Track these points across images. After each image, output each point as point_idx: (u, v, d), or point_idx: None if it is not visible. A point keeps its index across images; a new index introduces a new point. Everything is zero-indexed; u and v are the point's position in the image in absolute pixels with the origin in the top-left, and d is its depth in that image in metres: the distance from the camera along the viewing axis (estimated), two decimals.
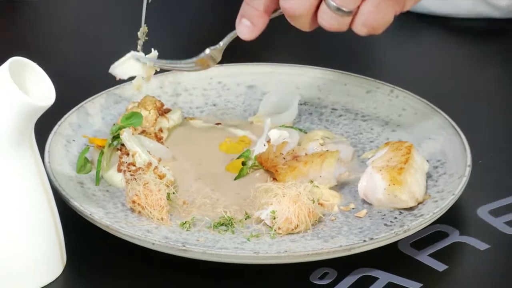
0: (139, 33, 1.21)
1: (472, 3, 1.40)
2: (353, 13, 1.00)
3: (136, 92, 1.18)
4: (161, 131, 1.15)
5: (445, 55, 1.36)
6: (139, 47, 1.21)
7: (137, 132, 1.12)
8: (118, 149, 1.10)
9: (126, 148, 1.10)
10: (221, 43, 1.08)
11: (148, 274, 0.99)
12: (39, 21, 1.48)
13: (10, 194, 0.95)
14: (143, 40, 1.21)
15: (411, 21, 1.37)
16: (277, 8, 1.02)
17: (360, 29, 1.01)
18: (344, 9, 0.99)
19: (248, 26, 1.03)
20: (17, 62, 0.93)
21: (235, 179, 1.10)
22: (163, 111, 1.15)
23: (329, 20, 1.01)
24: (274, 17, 1.03)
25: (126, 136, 1.10)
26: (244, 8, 1.03)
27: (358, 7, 1.00)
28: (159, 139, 1.14)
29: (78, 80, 1.20)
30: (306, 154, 1.09)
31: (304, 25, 1.02)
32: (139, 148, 1.09)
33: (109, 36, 1.36)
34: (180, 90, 1.20)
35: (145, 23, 1.22)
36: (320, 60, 1.24)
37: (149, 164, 1.08)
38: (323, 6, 1.00)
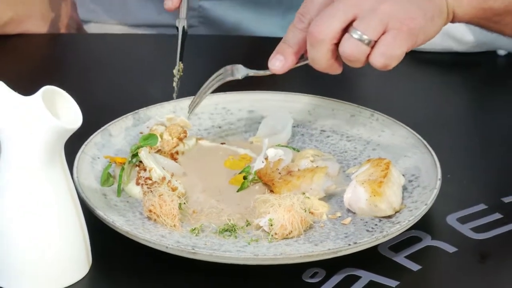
0: (174, 71, 1.21)
1: (441, 38, 1.39)
2: (372, 45, 1.01)
3: (159, 113, 1.19)
4: (177, 153, 1.15)
5: (417, 84, 1.37)
6: (174, 83, 1.21)
7: (153, 151, 1.12)
8: (136, 165, 1.10)
9: (143, 165, 1.10)
10: (251, 72, 1.10)
11: (162, 273, 0.99)
12: (68, 54, 1.48)
13: (44, 204, 0.95)
14: (178, 77, 1.21)
15: None
16: (304, 55, 1.03)
17: (377, 59, 1.01)
18: (366, 38, 1.00)
19: (281, 60, 1.05)
20: (49, 90, 0.93)
21: (237, 191, 1.10)
22: (182, 137, 1.15)
23: (351, 48, 1.01)
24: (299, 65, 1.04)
25: (143, 154, 1.10)
26: (280, 46, 1.05)
27: (376, 41, 1.00)
28: (174, 159, 1.14)
29: (101, 106, 1.20)
30: (298, 170, 1.09)
31: (322, 54, 1.02)
32: (154, 165, 1.09)
33: (128, 68, 1.35)
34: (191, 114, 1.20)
35: (180, 61, 1.22)
36: (310, 88, 1.24)
37: (163, 178, 1.08)
38: (347, 34, 1.01)
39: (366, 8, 1.01)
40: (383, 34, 1.01)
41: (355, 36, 1.00)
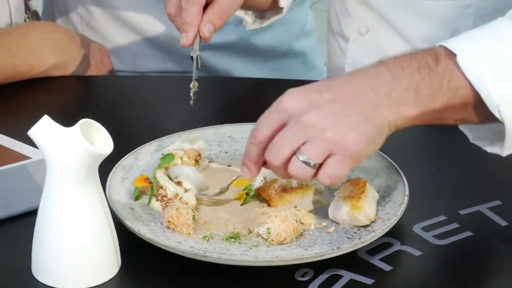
0: (190, 85, 1.21)
1: None
2: (317, 167, 0.97)
3: (176, 140, 1.19)
4: None
5: None
6: (191, 94, 1.21)
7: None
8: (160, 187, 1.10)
9: (160, 183, 1.10)
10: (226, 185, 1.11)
11: (178, 273, 0.99)
12: (102, 93, 1.48)
13: (81, 216, 0.95)
14: (193, 91, 1.21)
15: None
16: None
17: (323, 179, 0.98)
18: (311, 162, 0.96)
19: (246, 171, 1.02)
20: (86, 122, 0.93)
21: (241, 205, 1.10)
22: (197, 160, 1.15)
23: (297, 170, 0.97)
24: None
25: (159, 175, 1.10)
26: (244, 160, 1.02)
27: (321, 163, 0.97)
28: None
29: (129, 135, 1.20)
30: (291, 188, 1.09)
31: (279, 173, 1.00)
32: (168, 184, 1.09)
33: (150, 104, 1.36)
34: (203, 141, 1.20)
35: (195, 79, 1.22)
36: None
37: (176, 195, 1.08)
38: (293, 158, 0.97)
39: (313, 135, 0.96)
40: (328, 157, 0.96)
41: (301, 159, 0.96)
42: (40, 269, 0.97)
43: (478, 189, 1.14)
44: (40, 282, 0.96)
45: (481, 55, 1.01)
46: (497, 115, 1.00)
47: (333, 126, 0.96)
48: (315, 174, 0.98)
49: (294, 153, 0.97)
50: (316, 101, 0.98)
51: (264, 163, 1.02)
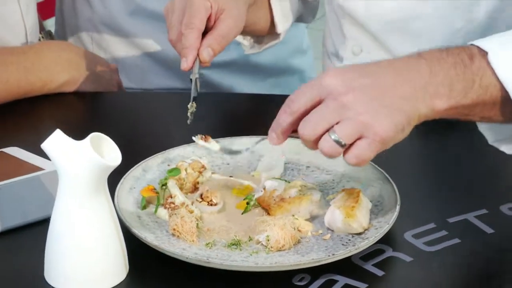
0: (188, 106, 1.21)
1: None
2: (347, 147, 0.96)
3: (181, 153, 1.19)
4: (198, 183, 1.14)
5: None
6: (189, 114, 1.21)
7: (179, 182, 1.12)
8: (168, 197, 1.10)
9: (170, 192, 1.10)
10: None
11: (183, 278, 0.98)
12: (111, 108, 1.48)
13: (91, 224, 0.95)
14: (191, 111, 1.21)
15: None
16: (295, 130, 0.99)
17: (351, 159, 0.97)
18: (342, 142, 0.96)
19: (273, 138, 1.01)
20: (95, 136, 0.93)
21: (242, 213, 1.10)
22: (201, 171, 1.15)
23: (327, 147, 0.97)
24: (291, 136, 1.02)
25: (171, 184, 1.10)
26: (273, 125, 1.01)
27: (352, 143, 0.96)
28: (196, 188, 1.13)
29: (136, 148, 1.20)
30: (289, 197, 1.08)
31: (309, 145, 0.99)
32: (177, 193, 1.09)
33: (156, 118, 1.36)
34: (206, 153, 1.20)
35: (193, 101, 1.22)
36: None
37: (183, 203, 1.08)
38: (325, 135, 0.96)
39: (348, 116, 0.95)
40: (358, 139, 0.96)
41: (333, 137, 0.95)
42: (53, 275, 0.97)
43: (465, 199, 1.14)
44: (52, 287, 0.96)
45: (510, 55, 1.01)
46: None
47: (368, 111, 0.96)
48: (344, 153, 0.97)
49: (327, 130, 0.96)
50: (356, 84, 0.97)
51: (293, 132, 1.01)
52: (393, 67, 1.01)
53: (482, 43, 1.02)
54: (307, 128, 0.97)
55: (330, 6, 1.50)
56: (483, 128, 1.12)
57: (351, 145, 0.96)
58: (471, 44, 1.03)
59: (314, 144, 0.98)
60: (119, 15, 1.71)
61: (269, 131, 1.02)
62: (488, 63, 1.00)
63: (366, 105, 0.96)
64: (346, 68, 1.01)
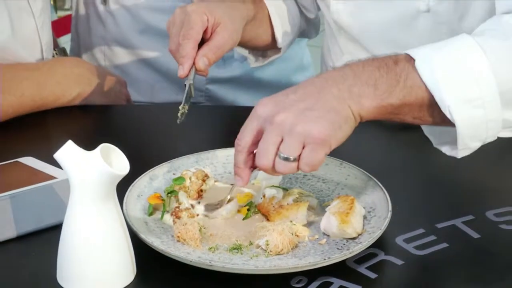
0: (180, 107, 1.21)
1: None
2: (297, 160, 0.98)
3: (185, 163, 1.19)
4: (201, 190, 1.14)
5: (374, 141, 1.36)
6: (179, 114, 1.21)
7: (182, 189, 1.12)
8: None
9: (179, 200, 1.10)
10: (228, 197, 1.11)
11: (187, 281, 0.98)
12: (119, 120, 1.48)
13: (101, 229, 0.95)
14: (182, 111, 1.21)
15: None
16: (254, 166, 1.03)
17: (304, 168, 0.99)
18: (291, 157, 0.98)
19: (239, 180, 1.04)
20: (105, 146, 0.93)
21: (243, 219, 1.09)
22: (204, 179, 1.15)
23: (282, 168, 0.99)
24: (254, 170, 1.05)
25: (181, 193, 1.11)
26: (234, 169, 1.05)
27: (299, 155, 0.98)
28: (200, 195, 1.13)
29: (143, 157, 1.20)
30: (287, 204, 1.08)
31: (271, 173, 1.02)
32: (184, 200, 1.10)
33: (162, 130, 1.36)
34: (208, 163, 1.20)
35: (186, 103, 1.22)
36: None
37: (187, 208, 1.08)
38: (276, 158, 0.99)
39: (285, 133, 0.98)
40: (303, 148, 0.98)
41: (282, 157, 0.98)
42: (65, 276, 0.97)
43: (453, 205, 1.14)
44: None
45: (436, 60, 1.02)
46: (448, 115, 1.02)
47: (301, 121, 0.98)
48: (298, 166, 0.99)
49: (276, 153, 0.99)
50: (284, 103, 1.01)
51: (253, 168, 1.04)
52: (318, 78, 1.05)
53: (411, 51, 1.05)
54: (261, 158, 1.00)
55: (326, 22, 1.50)
56: (426, 131, 1.14)
57: (300, 156, 0.98)
58: (403, 53, 1.05)
59: (273, 170, 1.01)
60: (130, 33, 1.72)
61: (234, 176, 1.05)
62: (414, 67, 1.02)
63: (297, 116, 0.99)
64: (275, 94, 1.04)
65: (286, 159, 0.98)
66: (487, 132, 1.05)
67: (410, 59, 1.03)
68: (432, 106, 1.03)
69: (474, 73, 1.02)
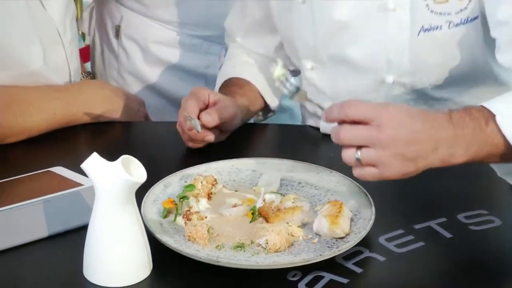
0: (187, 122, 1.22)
1: None
2: (359, 164, 0.99)
3: (195, 171, 1.18)
4: (211, 193, 1.14)
5: None
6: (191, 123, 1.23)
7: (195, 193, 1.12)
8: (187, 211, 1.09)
9: (189, 204, 1.10)
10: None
11: (196, 274, 0.98)
12: (138, 134, 1.48)
13: (121, 229, 0.95)
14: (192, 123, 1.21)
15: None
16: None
17: (357, 173, 1.00)
18: (361, 161, 0.99)
19: (323, 114, 1.03)
20: (126, 158, 0.93)
21: (250, 222, 1.09)
22: (214, 184, 1.15)
23: (348, 157, 0.99)
24: None
25: (191, 198, 1.10)
26: (326, 110, 1.02)
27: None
28: (209, 197, 1.13)
29: (158, 167, 1.20)
30: (284, 208, 1.08)
31: (336, 140, 1.00)
32: (194, 204, 1.10)
33: (176, 142, 1.35)
34: (215, 172, 1.20)
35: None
36: (292, 156, 1.23)
37: (197, 212, 1.08)
38: (352, 150, 0.98)
39: (376, 145, 0.97)
40: (369, 165, 0.99)
41: (357, 156, 0.98)
42: (90, 271, 0.96)
43: (428, 209, 1.13)
44: (90, 282, 0.96)
45: None
46: None
47: (391, 156, 0.97)
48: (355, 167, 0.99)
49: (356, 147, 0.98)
50: (402, 131, 0.97)
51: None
52: (432, 129, 0.99)
53: (491, 105, 1.02)
54: (347, 136, 0.98)
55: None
56: (492, 164, 1.14)
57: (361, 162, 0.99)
58: (482, 105, 1.02)
59: (339, 142, 0.99)
60: (139, 64, 1.72)
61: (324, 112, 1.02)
62: (497, 125, 1.00)
63: (393, 149, 0.97)
64: (408, 108, 1.00)
65: (358, 159, 0.98)
66: None
67: (493, 116, 1.01)
68: (509, 154, 1.02)
69: None
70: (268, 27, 1.45)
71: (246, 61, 1.48)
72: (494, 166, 1.19)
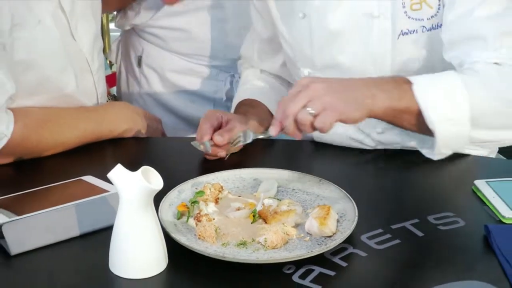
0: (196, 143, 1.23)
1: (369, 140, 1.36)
2: (314, 116, 1.02)
3: (205, 179, 1.18)
4: (218, 198, 1.14)
5: (343, 166, 1.36)
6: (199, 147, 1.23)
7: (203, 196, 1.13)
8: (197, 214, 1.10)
9: (199, 208, 1.10)
10: (258, 136, 1.17)
11: (205, 268, 0.98)
12: (156, 148, 1.48)
13: (142, 229, 0.95)
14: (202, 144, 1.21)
15: (321, 148, 1.38)
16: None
17: (317, 124, 1.03)
18: (312, 111, 1.02)
19: (272, 129, 1.10)
20: (145, 168, 0.94)
21: (251, 223, 1.09)
22: (220, 190, 1.15)
23: (303, 116, 1.02)
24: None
25: (201, 203, 1.11)
26: (273, 121, 1.10)
27: (317, 115, 1.02)
28: (217, 201, 1.13)
29: (173, 176, 1.20)
30: (280, 211, 1.08)
31: (291, 126, 1.05)
32: (204, 207, 1.10)
33: (189, 153, 1.36)
34: (222, 180, 1.20)
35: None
36: (287, 167, 1.23)
37: (206, 214, 1.08)
38: (302, 109, 1.02)
39: (316, 96, 1.02)
40: (323, 110, 1.01)
41: (307, 110, 1.01)
42: (115, 265, 0.97)
43: (403, 211, 1.13)
44: (115, 274, 0.96)
45: (428, 87, 1.08)
46: (431, 128, 1.08)
47: (329, 94, 1.03)
48: (313, 121, 1.03)
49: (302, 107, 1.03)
50: (322, 79, 1.06)
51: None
52: (355, 79, 1.09)
53: (411, 77, 1.10)
54: (292, 105, 1.04)
55: None
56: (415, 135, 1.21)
57: (317, 115, 1.02)
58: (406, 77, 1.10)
59: (295, 121, 1.04)
60: (158, 89, 1.74)
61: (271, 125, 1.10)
62: (412, 90, 1.07)
63: (329, 90, 1.03)
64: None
65: (310, 113, 1.00)
66: (457, 144, 1.11)
67: (409, 83, 1.08)
68: (422, 118, 1.07)
69: (455, 100, 1.08)
70: (275, 45, 1.46)
71: (258, 85, 1.50)
72: (417, 146, 1.24)
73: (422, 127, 1.09)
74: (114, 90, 2.04)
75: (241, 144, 1.15)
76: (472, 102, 1.08)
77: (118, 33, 1.88)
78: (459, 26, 1.17)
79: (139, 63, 1.75)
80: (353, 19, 1.26)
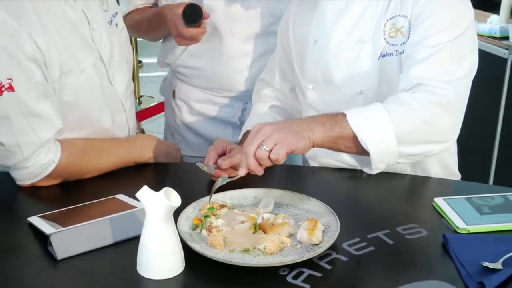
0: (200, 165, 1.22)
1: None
2: (269, 151, 1.03)
3: (215, 198, 1.16)
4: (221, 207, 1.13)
5: (328, 187, 1.35)
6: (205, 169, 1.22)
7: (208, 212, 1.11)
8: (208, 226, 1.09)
9: (210, 221, 1.09)
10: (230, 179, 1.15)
11: (215, 271, 0.97)
12: (176, 171, 1.47)
13: (164, 238, 0.95)
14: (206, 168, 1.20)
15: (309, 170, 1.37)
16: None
17: (272, 156, 1.03)
18: (267, 148, 1.03)
19: (242, 170, 1.08)
20: (166, 189, 0.94)
21: (253, 233, 1.08)
22: (222, 207, 1.14)
23: (260, 153, 1.03)
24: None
25: (212, 217, 1.10)
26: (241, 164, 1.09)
27: (271, 149, 1.03)
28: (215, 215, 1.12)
29: (189, 194, 1.19)
30: (277, 223, 1.08)
31: (253, 162, 1.05)
32: (214, 221, 1.09)
33: (201, 175, 1.35)
34: (228, 198, 1.19)
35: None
36: (283, 187, 1.23)
37: (216, 226, 1.07)
38: (258, 148, 1.03)
39: (267, 135, 1.04)
40: (274, 145, 1.03)
41: (263, 148, 1.03)
42: (142, 268, 0.96)
43: (377, 223, 1.13)
44: (141, 276, 0.96)
45: (359, 116, 1.11)
46: (365, 147, 1.10)
47: (277, 132, 1.05)
48: (269, 156, 1.04)
49: (258, 147, 1.03)
50: (270, 124, 1.08)
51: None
52: (293, 119, 1.17)
53: (346, 110, 1.11)
54: (249, 147, 1.05)
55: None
56: (356, 157, 1.23)
57: (271, 150, 1.02)
58: (341, 112, 1.11)
59: (254, 157, 1.05)
60: (187, 117, 1.78)
61: (239, 168, 1.09)
62: (346, 119, 1.10)
63: (276, 130, 1.05)
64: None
65: (265, 150, 1.02)
66: (389, 158, 1.13)
67: (344, 115, 1.11)
68: (356, 141, 1.10)
69: (381, 124, 1.11)
70: (289, 72, 1.46)
71: (264, 117, 1.49)
72: (358, 163, 1.25)
73: (358, 149, 1.12)
74: (142, 123, 2.04)
75: (218, 185, 1.16)
76: (394, 123, 1.09)
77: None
78: (406, 53, 1.21)
79: (174, 96, 1.78)
80: (349, 43, 1.29)
